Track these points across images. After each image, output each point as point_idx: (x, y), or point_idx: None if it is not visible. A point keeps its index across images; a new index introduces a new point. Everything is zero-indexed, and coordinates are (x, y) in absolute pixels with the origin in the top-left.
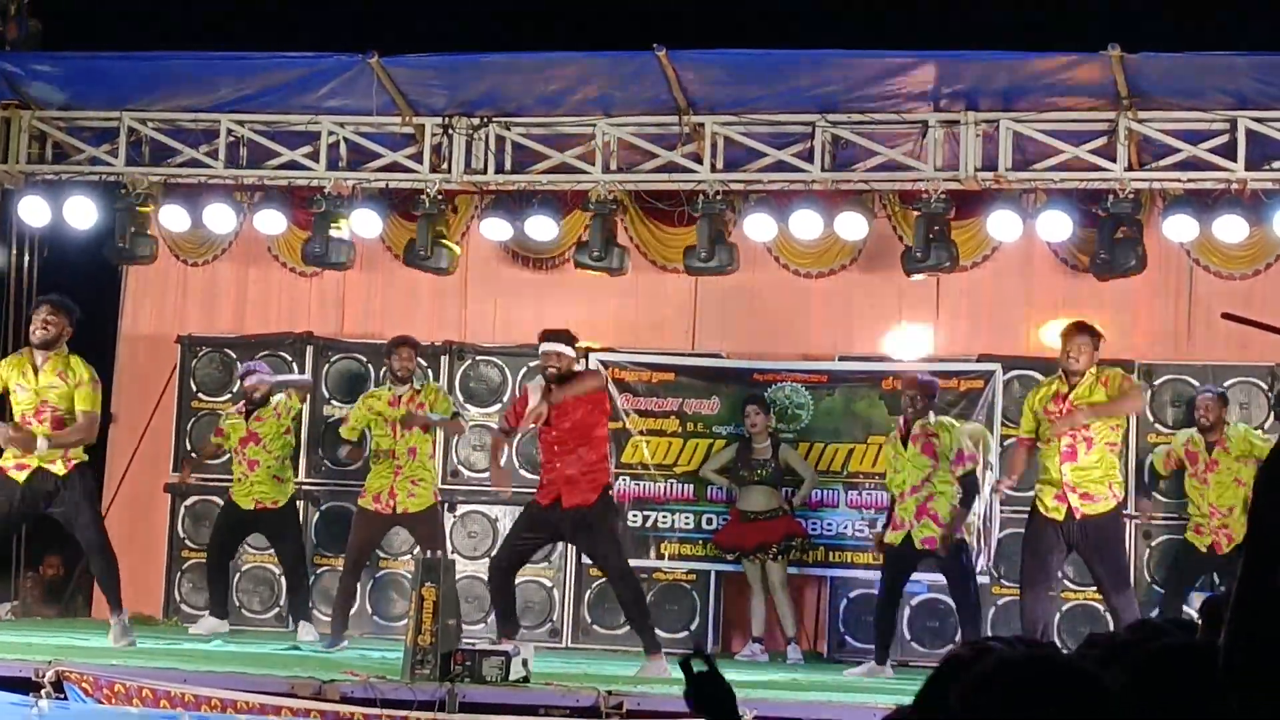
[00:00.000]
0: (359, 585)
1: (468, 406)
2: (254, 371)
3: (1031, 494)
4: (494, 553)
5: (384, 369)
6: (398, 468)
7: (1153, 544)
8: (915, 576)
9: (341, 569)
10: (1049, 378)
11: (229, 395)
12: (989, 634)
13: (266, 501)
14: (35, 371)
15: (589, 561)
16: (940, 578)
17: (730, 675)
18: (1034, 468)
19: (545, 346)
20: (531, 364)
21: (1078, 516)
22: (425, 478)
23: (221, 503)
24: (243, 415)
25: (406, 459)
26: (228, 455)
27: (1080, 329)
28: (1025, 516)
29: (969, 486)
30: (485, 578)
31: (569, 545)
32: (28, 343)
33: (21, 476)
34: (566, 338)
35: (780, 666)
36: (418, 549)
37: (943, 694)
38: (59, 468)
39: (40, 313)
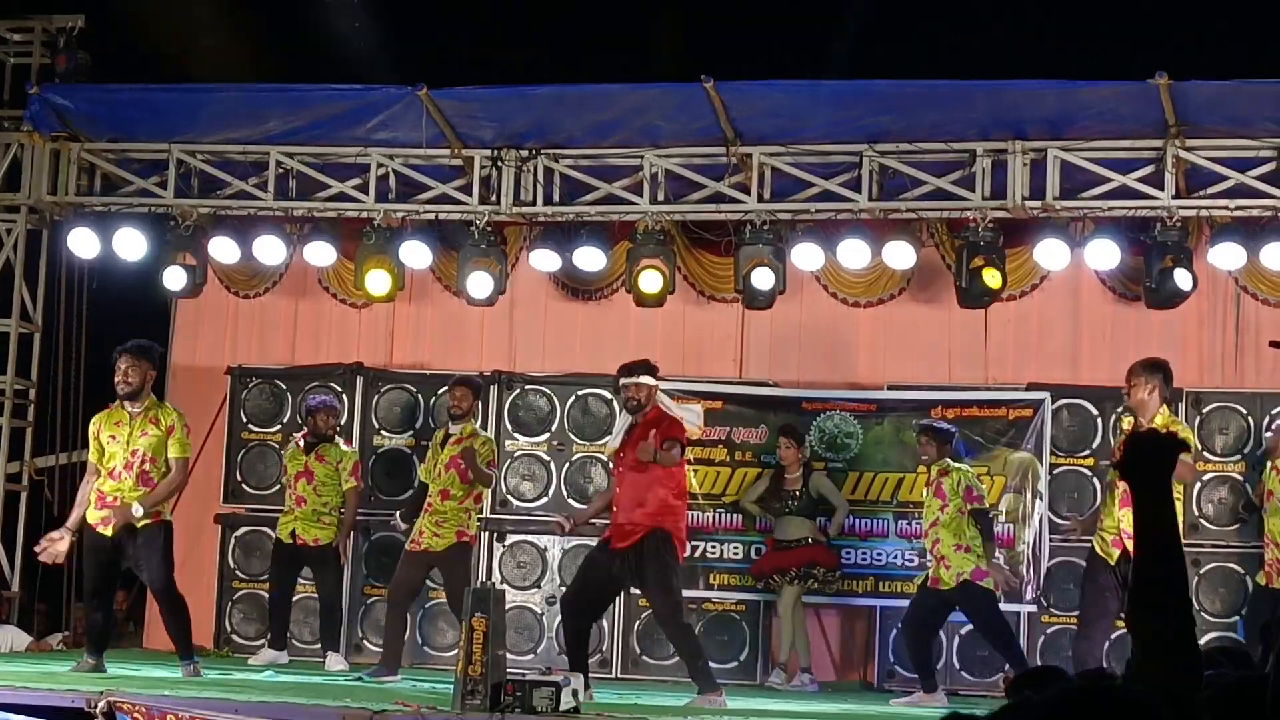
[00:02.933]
0: (408, 618)
1: (516, 436)
2: (328, 403)
3: (1066, 522)
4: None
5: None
6: (428, 505)
7: (1201, 571)
8: None
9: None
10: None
11: (279, 426)
12: (1037, 663)
13: (306, 539)
14: (130, 422)
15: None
16: None
17: (780, 706)
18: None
19: (626, 380)
20: (580, 393)
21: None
22: (450, 520)
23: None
24: (302, 448)
25: (437, 499)
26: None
27: (1139, 365)
28: (1074, 546)
29: (981, 522)
30: (534, 608)
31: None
32: (116, 395)
33: (109, 530)
34: (647, 368)
35: (829, 697)
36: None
37: None
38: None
39: (120, 364)
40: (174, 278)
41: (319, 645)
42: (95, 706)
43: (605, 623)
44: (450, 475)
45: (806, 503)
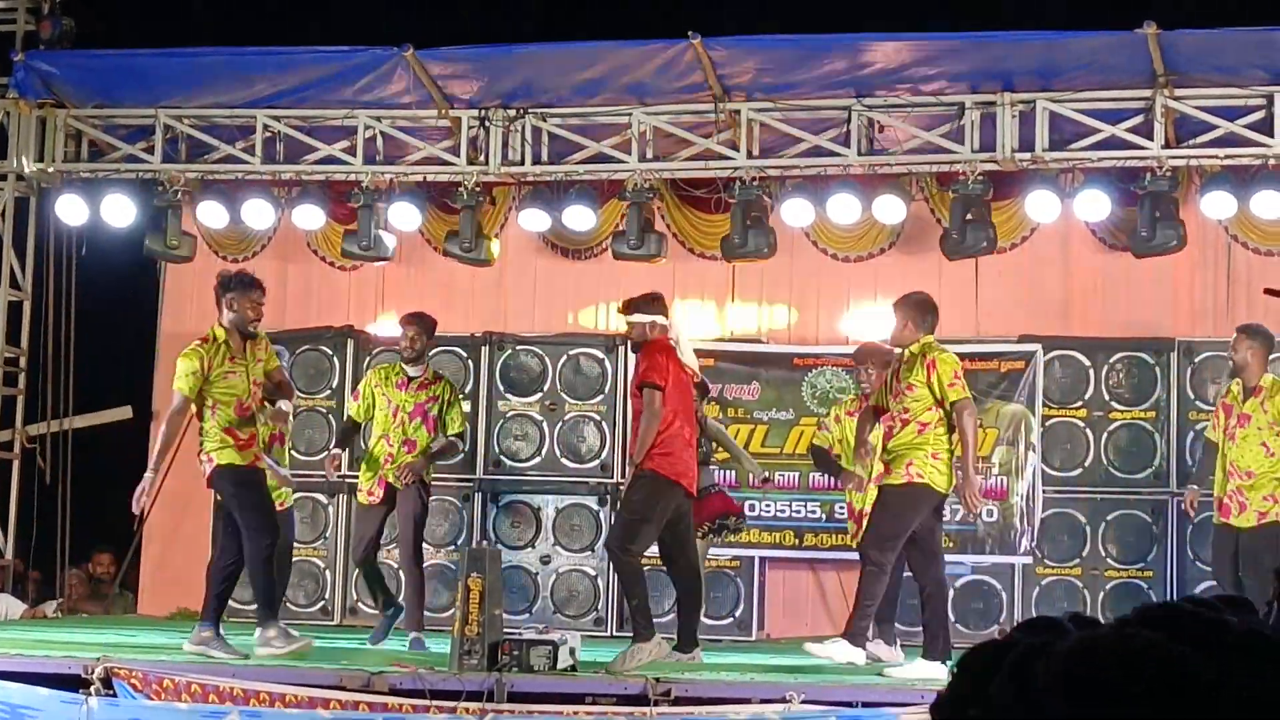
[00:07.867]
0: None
1: (508, 396)
2: None
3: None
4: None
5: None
6: (388, 457)
7: (1195, 521)
8: (959, 558)
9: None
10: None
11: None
12: (1032, 614)
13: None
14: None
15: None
16: (984, 558)
17: (778, 661)
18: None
19: (624, 317)
20: (571, 352)
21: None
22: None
23: None
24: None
25: (400, 450)
26: None
27: (896, 301)
28: (1068, 498)
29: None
30: (528, 567)
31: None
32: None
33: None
34: (639, 306)
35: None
36: (460, 540)
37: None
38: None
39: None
40: (163, 243)
41: (317, 608)
42: (92, 673)
43: (601, 581)
44: (416, 424)
45: (705, 451)
